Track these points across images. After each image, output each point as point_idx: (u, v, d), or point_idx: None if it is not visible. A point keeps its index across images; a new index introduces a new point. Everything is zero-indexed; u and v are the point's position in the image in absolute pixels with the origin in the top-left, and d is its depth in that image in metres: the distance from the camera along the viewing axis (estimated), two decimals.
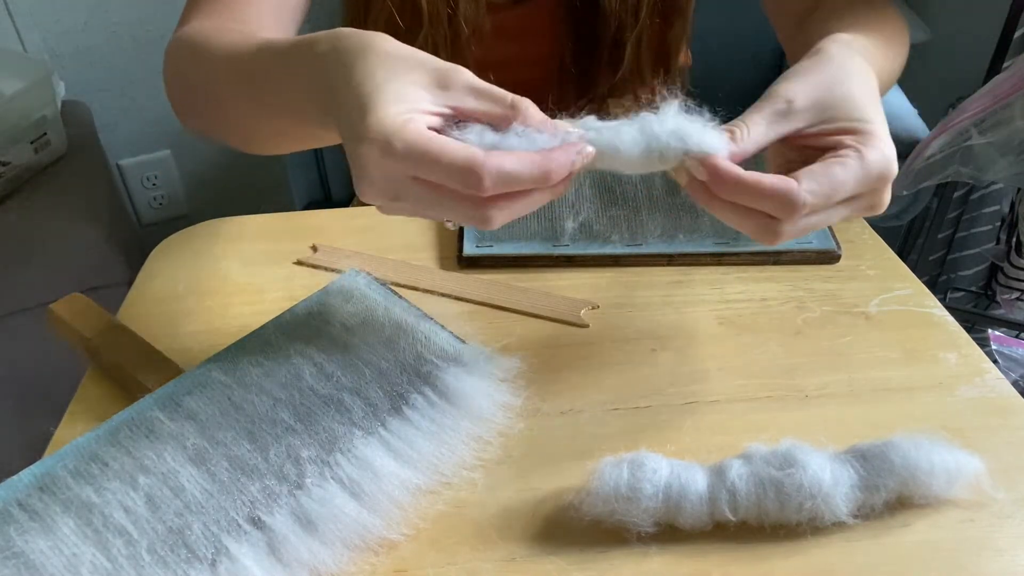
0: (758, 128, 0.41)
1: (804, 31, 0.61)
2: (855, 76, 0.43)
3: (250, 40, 0.50)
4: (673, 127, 0.41)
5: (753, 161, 0.42)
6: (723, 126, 0.42)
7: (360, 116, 0.37)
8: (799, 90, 0.42)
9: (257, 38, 0.49)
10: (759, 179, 0.39)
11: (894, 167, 0.41)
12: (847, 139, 0.41)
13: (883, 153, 0.40)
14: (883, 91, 0.51)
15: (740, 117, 0.42)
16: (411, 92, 0.38)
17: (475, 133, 0.38)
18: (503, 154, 0.36)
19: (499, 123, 0.39)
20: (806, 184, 0.38)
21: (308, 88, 0.42)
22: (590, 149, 0.39)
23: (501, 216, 0.38)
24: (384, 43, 0.39)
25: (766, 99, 0.43)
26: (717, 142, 0.41)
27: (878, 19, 0.56)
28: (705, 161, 0.40)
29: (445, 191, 0.37)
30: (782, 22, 0.68)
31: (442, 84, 0.39)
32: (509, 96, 0.39)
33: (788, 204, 0.38)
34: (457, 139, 0.38)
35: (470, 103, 0.39)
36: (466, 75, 0.39)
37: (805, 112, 0.42)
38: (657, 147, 0.41)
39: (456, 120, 0.39)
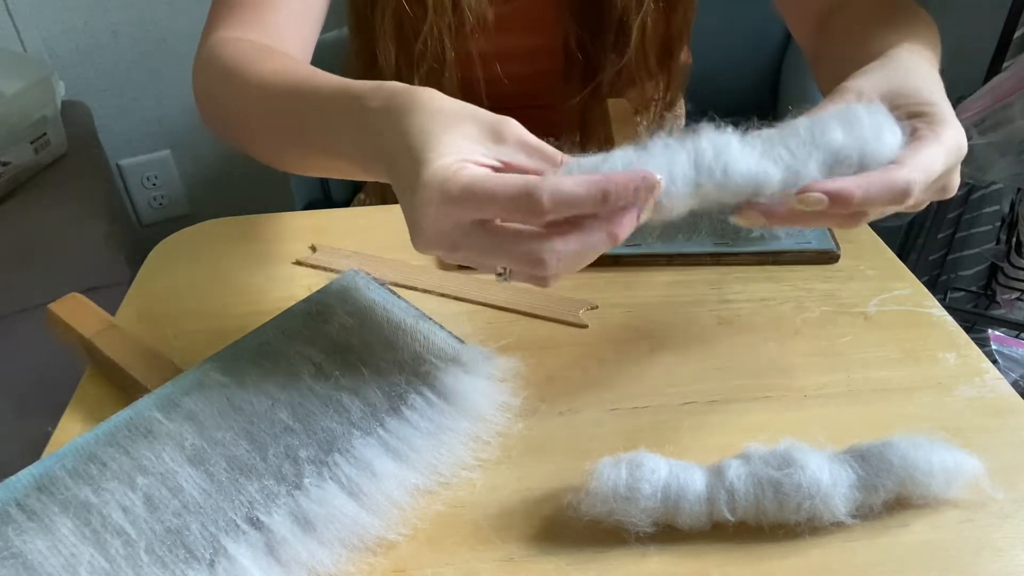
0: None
1: (830, 36, 0.60)
2: (921, 70, 0.45)
3: (287, 72, 0.51)
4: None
5: None
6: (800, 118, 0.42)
7: (415, 169, 0.37)
8: (868, 84, 0.44)
9: (294, 72, 0.50)
10: (882, 180, 0.39)
11: (965, 145, 0.42)
12: (918, 123, 0.42)
13: (956, 129, 0.41)
14: None
15: (814, 110, 0.42)
16: (463, 144, 0.38)
17: None
18: (561, 177, 0.36)
19: None
20: (908, 169, 0.39)
21: (354, 139, 0.44)
22: (659, 177, 0.36)
23: (555, 257, 0.37)
24: (433, 100, 0.39)
25: (836, 93, 0.43)
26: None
27: (910, 23, 0.55)
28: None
29: (503, 232, 0.37)
30: (799, 20, 0.68)
31: (495, 138, 0.39)
32: (559, 156, 0.39)
33: (904, 192, 0.39)
34: None
35: (521, 159, 0.39)
36: (517, 129, 0.39)
37: (877, 100, 0.43)
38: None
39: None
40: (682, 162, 0.39)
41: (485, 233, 0.38)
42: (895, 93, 0.43)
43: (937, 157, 0.40)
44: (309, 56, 0.65)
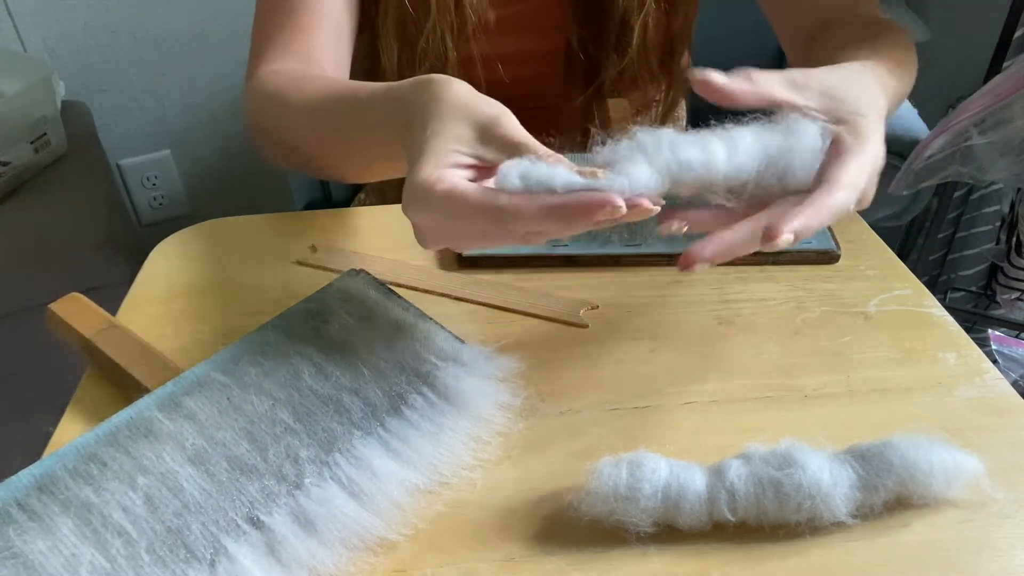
0: (770, 80, 0.44)
1: (813, 60, 0.61)
2: (866, 81, 0.48)
3: (328, 89, 0.56)
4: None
5: None
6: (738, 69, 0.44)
7: (409, 170, 0.42)
8: (816, 75, 0.46)
9: (333, 87, 0.56)
10: (822, 204, 0.41)
11: (883, 158, 0.45)
12: (843, 132, 0.44)
13: (877, 143, 0.44)
14: (892, 112, 0.53)
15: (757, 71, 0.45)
16: (451, 147, 0.41)
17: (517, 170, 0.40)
18: (523, 199, 0.39)
19: None
20: (843, 189, 0.42)
21: (394, 132, 0.47)
22: (618, 201, 0.38)
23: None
24: (450, 92, 0.43)
25: (785, 71, 0.46)
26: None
27: (887, 46, 0.56)
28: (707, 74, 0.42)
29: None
30: (788, 40, 0.71)
31: (483, 138, 0.42)
32: (541, 151, 0.41)
33: (844, 211, 0.42)
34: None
35: (501, 159, 0.42)
36: (505, 129, 0.42)
37: (815, 93, 0.45)
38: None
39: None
40: (635, 158, 0.41)
41: (484, 220, 0.40)
42: (835, 95, 0.45)
43: (862, 169, 0.43)
44: (346, 74, 0.69)
